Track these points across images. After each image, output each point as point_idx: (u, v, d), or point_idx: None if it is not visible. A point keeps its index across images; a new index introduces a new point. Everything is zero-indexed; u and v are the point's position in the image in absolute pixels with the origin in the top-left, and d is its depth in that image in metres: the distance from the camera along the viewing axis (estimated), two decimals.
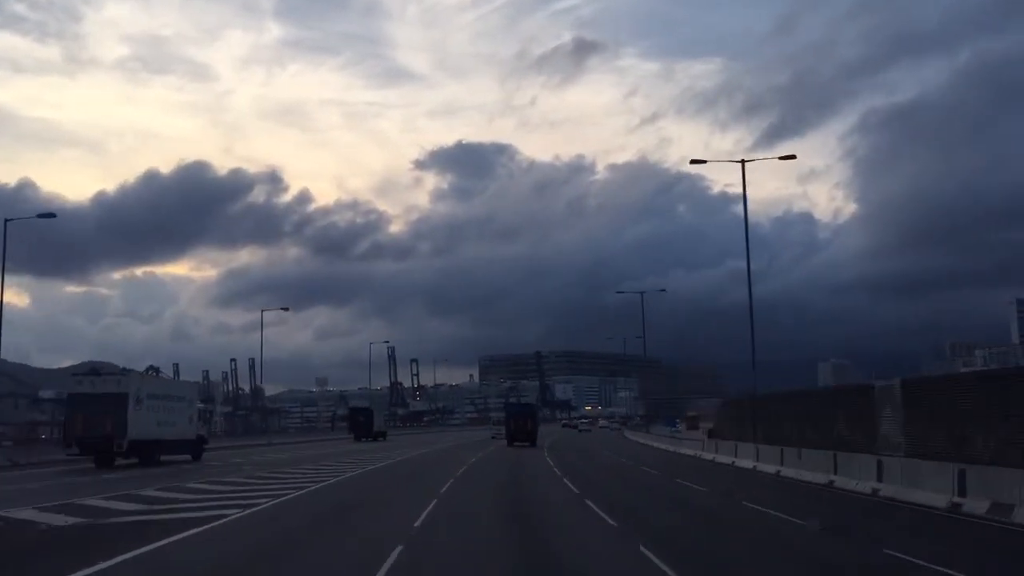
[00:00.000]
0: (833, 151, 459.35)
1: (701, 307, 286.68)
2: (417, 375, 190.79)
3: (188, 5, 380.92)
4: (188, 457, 41.77)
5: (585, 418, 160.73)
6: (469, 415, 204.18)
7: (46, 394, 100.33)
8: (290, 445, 66.27)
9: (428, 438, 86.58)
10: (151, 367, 76.02)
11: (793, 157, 42.72)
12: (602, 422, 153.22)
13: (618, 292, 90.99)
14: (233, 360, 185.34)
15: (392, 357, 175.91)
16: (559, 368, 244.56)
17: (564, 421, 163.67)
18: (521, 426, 61.73)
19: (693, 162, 53.90)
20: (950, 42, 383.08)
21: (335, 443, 70.41)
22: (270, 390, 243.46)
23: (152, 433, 37.55)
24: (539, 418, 77.69)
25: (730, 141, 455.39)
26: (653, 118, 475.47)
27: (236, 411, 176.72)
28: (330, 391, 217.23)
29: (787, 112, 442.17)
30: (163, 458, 39.22)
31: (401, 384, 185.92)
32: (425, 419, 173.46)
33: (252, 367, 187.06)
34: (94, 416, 35.10)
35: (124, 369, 46.49)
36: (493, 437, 72.14)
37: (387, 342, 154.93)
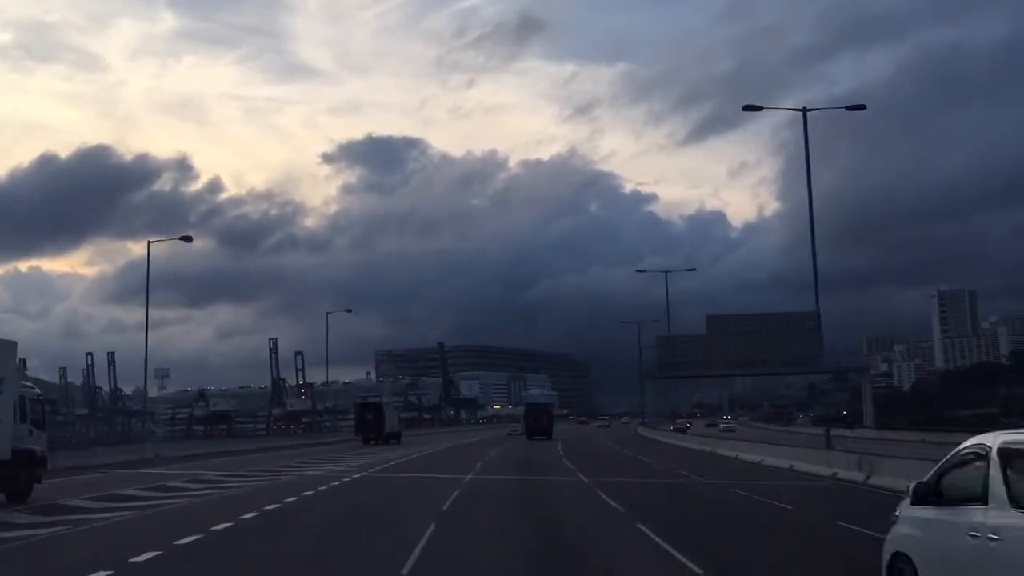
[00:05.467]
0: (767, 144, 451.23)
1: (615, 304, 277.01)
2: (302, 370, 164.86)
3: None
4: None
5: (604, 415, 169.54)
6: None
7: None
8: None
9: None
10: None
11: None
12: (625, 419, 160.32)
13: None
14: (89, 354, 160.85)
15: (274, 350, 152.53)
16: (464, 363, 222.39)
17: (581, 419, 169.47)
18: (539, 421, 71.23)
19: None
20: (896, 32, 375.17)
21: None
22: (154, 391, 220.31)
23: None
24: (554, 415, 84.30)
25: (663, 134, 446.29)
26: (578, 112, 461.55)
27: (94, 413, 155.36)
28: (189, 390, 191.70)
29: (724, 104, 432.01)
30: None
31: (284, 381, 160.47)
32: (305, 420, 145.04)
33: (111, 362, 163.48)
34: None
35: None
36: (509, 434, 78.44)
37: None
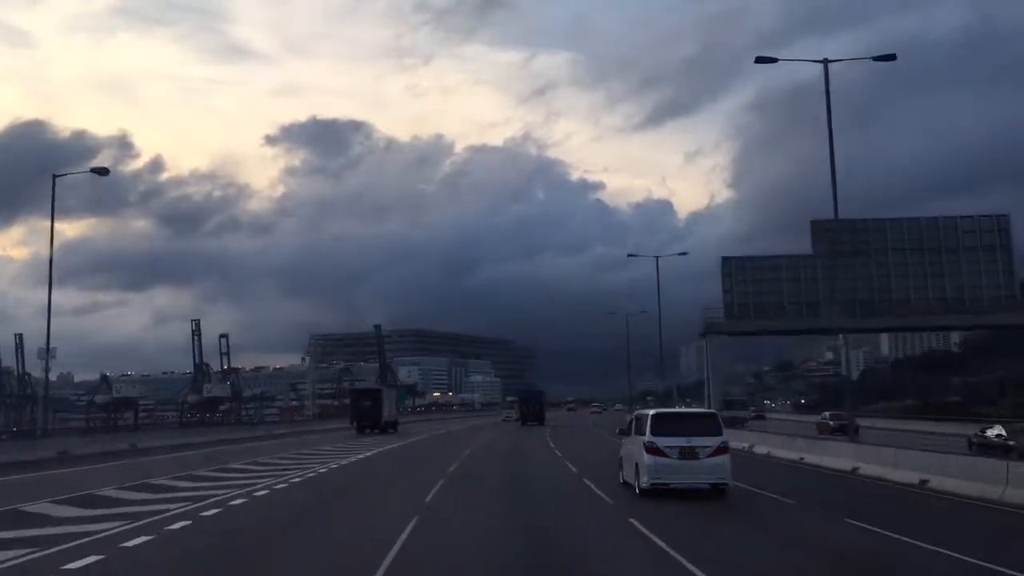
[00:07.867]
0: (723, 130, 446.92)
1: (561, 292, 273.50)
2: (227, 354, 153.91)
3: None
4: None
5: (597, 402, 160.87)
6: (293, 402, 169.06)
7: None
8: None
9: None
10: None
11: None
12: (618, 406, 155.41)
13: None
14: (18, 335, 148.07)
15: (197, 332, 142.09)
16: (404, 348, 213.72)
17: (569, 406, 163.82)
18: (531, 409, 76.51)
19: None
20: (857, 19, 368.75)
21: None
22: (82, 376, 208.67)
23: None
24: (546, 402, 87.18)
25: (619, 118, 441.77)
26: (535, 95, 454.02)
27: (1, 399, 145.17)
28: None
29: (680, 89, 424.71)
30: None
31: (208, 366, 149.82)
32: (222, 409, 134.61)
33: (19, 344, 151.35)
34: None
35: None
36: (504, 420, 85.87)
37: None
